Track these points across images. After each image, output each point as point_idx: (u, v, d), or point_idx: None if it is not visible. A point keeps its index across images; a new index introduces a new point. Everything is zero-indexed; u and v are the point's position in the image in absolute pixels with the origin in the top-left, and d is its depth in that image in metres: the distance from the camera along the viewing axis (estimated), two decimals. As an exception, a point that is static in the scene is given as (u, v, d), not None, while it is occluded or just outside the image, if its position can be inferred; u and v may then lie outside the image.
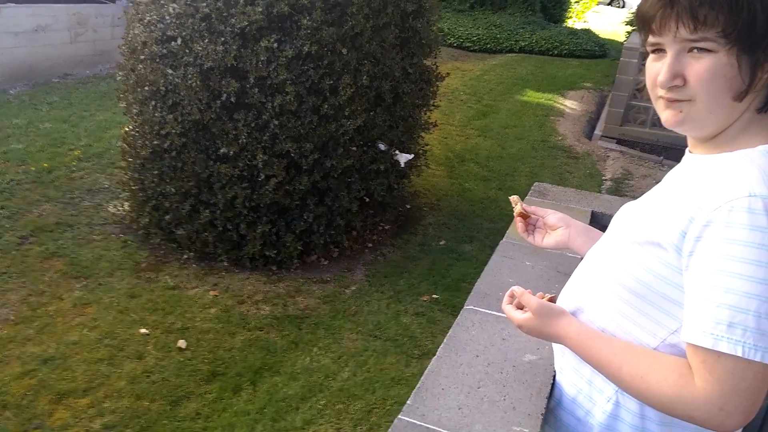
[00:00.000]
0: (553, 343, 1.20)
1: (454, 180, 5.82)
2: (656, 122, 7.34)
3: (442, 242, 4.60)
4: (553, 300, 1.15)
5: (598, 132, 7.55)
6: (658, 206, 1.04)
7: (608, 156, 6.97)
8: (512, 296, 1.14)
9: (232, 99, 3.54)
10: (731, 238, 0.87)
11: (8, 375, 2.93)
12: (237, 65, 3.51)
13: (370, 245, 4.48)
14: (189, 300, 3.63)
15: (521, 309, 1.12)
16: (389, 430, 0.94)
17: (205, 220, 3.79)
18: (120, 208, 4.55)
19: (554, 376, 1.16)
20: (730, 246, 0.87)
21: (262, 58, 3.49)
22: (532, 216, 1.34)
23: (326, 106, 3.65)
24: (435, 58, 4.68)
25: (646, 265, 0.99)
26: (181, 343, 3.24)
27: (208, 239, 3.88)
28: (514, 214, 1.32)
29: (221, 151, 3.64)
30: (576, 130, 7.73)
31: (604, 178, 6.27)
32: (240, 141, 3.60)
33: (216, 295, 3.70)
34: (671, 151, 6.82)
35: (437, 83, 4.66)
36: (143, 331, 3.32)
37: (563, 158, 6.66)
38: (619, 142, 7.33)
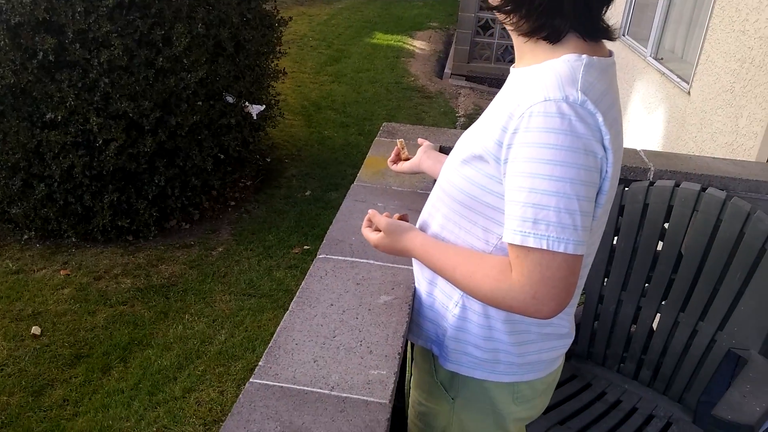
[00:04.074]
0: (413, 259, 1.26)
1: (313, 128, 5.75)
2: (500, 57, 7.73)
3: (307, 193, 4.58)
4: (404, 218, 1.21)
5: (448, 70, 7.79)
6: (481, 123, 1.10)
7: (459, 93, 7.25)
8: (370, 220, 1.21)
9: (51, 57, 3.18)
10: (530, 142, 0.92)
11: None
12: (50, 18, 3.14)
13: (233, 203, 4.35)
14: (37, 283, 3.36)
15: (378, 231, 1.18)
16: (240, 396, 0.92)
17: (42, 194, 3.46)
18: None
19: (414, 289, 1.23)
20: (529, 149, 0.92)
21: (79, 9, 3.14)
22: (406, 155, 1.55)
23: (161, 59, 3.40)
24: (275, 1, 4.51)
25: (471, 178, 1.05)
26: (35, 330, 3.01)
27: (49, 215, 3.56)
28: (394, 153, 1.54)
29: (47, 116, 3.29)
30: (427, 69, 7.91)
31: (457, 114, 6.52)
32: (68, 104, 3.27)
33: (68, 274, 3.44)
34: (514, 82, 7.22)
35: (281, 29, 4.50)
36: (-13, 324, 3.02)
37: (418, 98, 6.81)
38: (468, 78, 7.63)
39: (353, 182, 1.65)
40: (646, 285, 1.94)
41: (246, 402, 0.92)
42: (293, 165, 5.00)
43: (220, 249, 3.83)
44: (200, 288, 3.44)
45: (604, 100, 0.96)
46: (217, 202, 4.29)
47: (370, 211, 1.20)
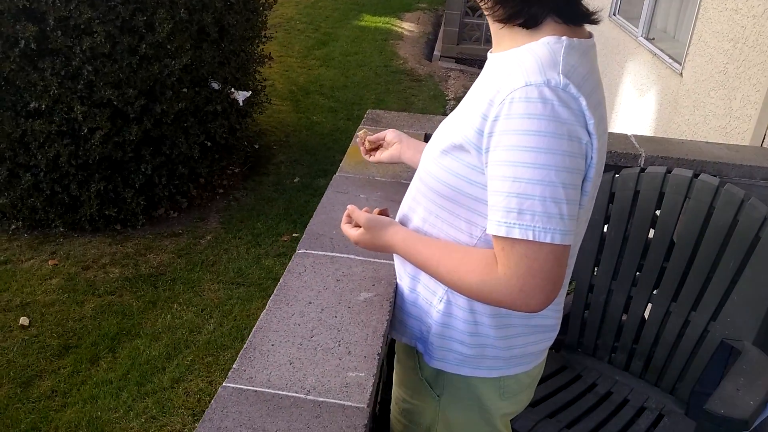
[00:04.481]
0: (394, 255, 1.22)
1: (301, 114, 5.68)
2: (489, 38, 7.64)
3: (296, 179, 4.52)
4: (384, 213, 1.17)
5: (437, 53, 7.69)
6: (460, 111, 1.05)
7: (449, 76, 7.17)
8: (350, 215, 1.16)
9: (33, 45, 3.11)
10: (512, 129, 0.89)
11: None
12: (31, 6, 3.06)
13: (221, 191, 4.30)
14: (25, 273, 3.32)
15: (358, 227, 1.14)
16: (212, 401, 0.87)
17: (28, 184, 3.42)
18: None
19: (396, 285, 1.20)
20: (511, 137, 0.89)
21: (59, -4, 3.07)
22: (377, 142, 1.45)
23: (144, 46, 3.32)
24: (258, -16, 4.42)
25: (452, 169, 1.01)
26: (24, 320, 2.98)
27: (36, 205, 3.51)
28: (359, 144, 1.45)
29: (31, 105, 3.23)
30: (416, 52, 7.82)
31: (447, 98, 6.45)
32: (51, 92, 3.20)
33: (56, 264, 3.40)
34: (506, 65, 7.15)
35: (265, 12, 4.41)
36: (-26, 315, 2.99)
37: (407, 82, 6.73)
38: (458, 60, 7.54)
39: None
40: (638, 274, 1.91)
41: (218, 408, 0.88)
42: (282, 151, 4.94)
43: (209, 237, 3.78)
44: (189, 277, 3.40)
45: (587, 83, 0.92)
46: (205, 189, 4.23)
47: (349, 206, 1.16)
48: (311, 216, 4.69)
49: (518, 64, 0.92)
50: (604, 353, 1.97)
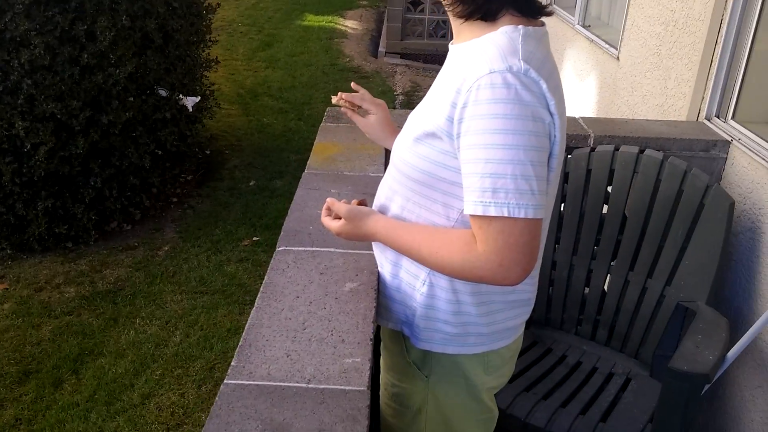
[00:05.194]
0: (373, 243, 1.26)
1: (251, 117, 5.62)
2: (432, 32, 7.75)
3: (251, 183, 4.49)
4: (362, 203, 1.21)
5: (382, 49, 7.76)
6: (429, 101, 1.11)
7: (395, 71, 7.24)
8: (329, 208, 1.20)
9: (-34, 61, 2.98)
10: (481, 114, 0.94)
11: None
12: (-39, 20, 2.93)
13: (175, 200, 4.22)
14: (-28, 301, 3.16)
15: (339, 219, 1.17)
16: (216, 398, 0.90)
17: (-31, 207, 3.26)
18: None
19: (378, 273, 1.23)
20: (480, 121, 0.95)
21: (-7, 8, 2.95)
22: (356, 102, 1.36)
23: (86, 56, 3.23)
24: (202, -12, 4.36)
25: (426, 156, 1.06)
26: (-23, 349, 2.85)
27: (-22, 228, 3.35)
28: (341, 107, 1.35)
29: (-33, 124, 3.09)
30: (361, 49, 7.85)
31: (395, 93, 6.52)
32: (-11, 109, 3.08)
33: (6, 288, 3.27)
34: (449, 58, 7.27)
35: (209, 16, 4.36)
36: None
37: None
38: (403, 56, 7.62)
39: (297, 169, 1.62)
40: (595, 248, 2.01)
41: (223, 404, 0.90)
42: (234, 155, 4.89)
43: (166, 248, 3.72)
44: (149, 290, 3.34)
45: (545, 67, 0.99)
46: (158, 199, 4.15)
47: (328, 199, 1.19)
48: (270, 218, 4.62)
49: (481, 53, 0.98)
50: (570, 326, 2.06)
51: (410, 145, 1.10)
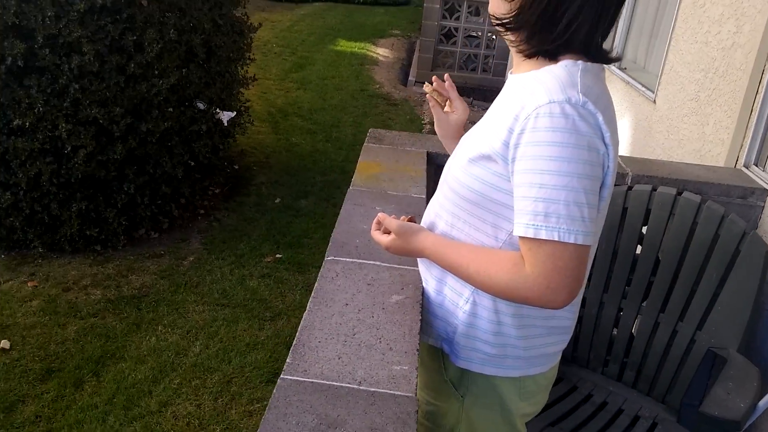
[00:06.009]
0: (419, 259, 1.30)
1: (281, 135, 5.72)
2: (463, 65, 7.86)
3: (277, 200, 4.54)
4: (412, 220, 1.24)
5: (411, 78, 7.87)
6: (485, 124, 1.15)
7: (424, 101, 7.31)
8: (378, 223, 1.23)
9: (20, 62, 3.09)
10: (538, 141, 0.99)
11: None
12: (20, 23, 3.05)
13: (202, 212, 4.28)
14: (4, 295, 3.23)
15: (388, 234, 1.20)
16: (274, 391, 0.94)
17: (8, 203, 3.35)
18: None
19: (423, 289, 1.26)
20: (537, 147, 0.99)
21: (49, 14, 3.07)
22: (444, 93, 1.41)
23: (133, 65, 3.34)
24: (244, 8, 4.49)
25: (480, 177, 1.10)
26: (4, 344, 2.90)
27: (14, 225, 3.44)
28: (427, 93, 1.39)
29: (15, 123, 3.19)
30: (391, 77, 7.98)
31: (423, 122, 6.59)
32: (36, 110, 3.18)
33: (36, 286, 3.32)
34: (479, 92, 7.35)
35: (251, 35, 4.48)
36: (-48, 338, 2.89)
37: (384, 106, 6.86)
38: (432, 86, 7.70)
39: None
40: (627, 288, 2.01)
41: (281, 396, 0.94)
42: (262, 172, 4.96)
43: (191, 258, 3.76)
44: (172, 298, 3.37)
45: (601, 101, 1.04)
46: (186, 210, 4.21)
47: (379, 214, 1.23)
48: (294, 237, 4.66)
49: (541, 83, 1.03)
50: (597, 364, 2.05)
51: (465, 166, 1.13)
